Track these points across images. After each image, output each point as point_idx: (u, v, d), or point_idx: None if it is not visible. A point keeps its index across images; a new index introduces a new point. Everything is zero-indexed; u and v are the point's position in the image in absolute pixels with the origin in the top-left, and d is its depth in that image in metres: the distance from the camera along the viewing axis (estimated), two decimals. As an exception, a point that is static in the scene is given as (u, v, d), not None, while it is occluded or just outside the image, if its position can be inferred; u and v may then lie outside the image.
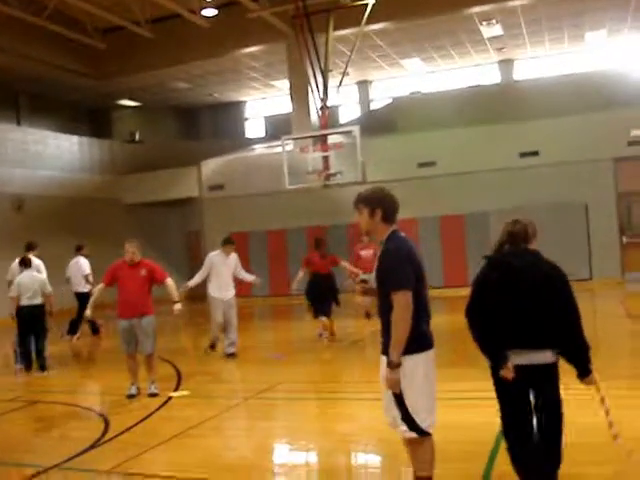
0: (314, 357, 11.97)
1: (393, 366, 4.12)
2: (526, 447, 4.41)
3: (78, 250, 15.53)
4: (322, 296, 12.89)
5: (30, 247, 13.71)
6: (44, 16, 18.49)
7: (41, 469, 6.04)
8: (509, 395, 4.41)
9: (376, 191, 4.46)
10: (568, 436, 4.56)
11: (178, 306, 9.17)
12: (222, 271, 11.54)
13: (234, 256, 11.75)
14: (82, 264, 15.18)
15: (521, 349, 4.28)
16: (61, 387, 10.35)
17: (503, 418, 4.54)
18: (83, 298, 14.13)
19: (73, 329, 14.88)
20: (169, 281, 9.22)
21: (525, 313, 4.27)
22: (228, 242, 11.71)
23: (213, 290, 11.56)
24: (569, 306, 4.28)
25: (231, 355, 11.49)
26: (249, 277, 12.07)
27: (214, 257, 11.60)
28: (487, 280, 4.44)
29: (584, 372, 4.33)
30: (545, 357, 4.30)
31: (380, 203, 4.37)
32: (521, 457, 4.44)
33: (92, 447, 6.64)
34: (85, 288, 14.88)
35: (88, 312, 9.28)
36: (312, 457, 6.35)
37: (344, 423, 7.11)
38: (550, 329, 4.25)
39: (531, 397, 4.40)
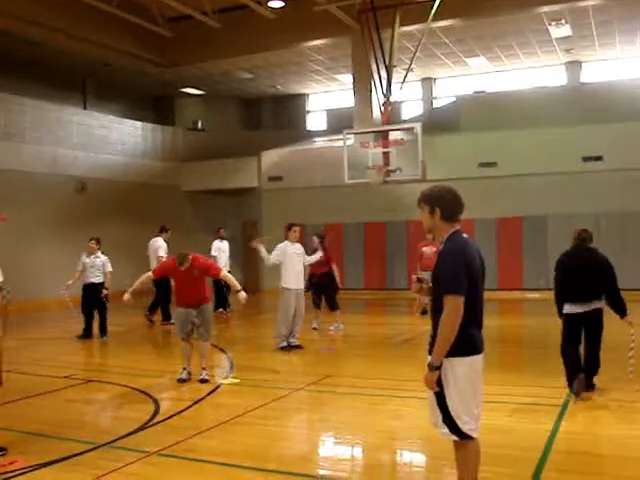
0: (364, 352, 12.00)
1: (432, 368, 4.12)
2: (572, 357, 7.54)
3: (160, 232, 15.59)
4: None
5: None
6: (114, 3, 18.79)
7: (91, 446, 6.19)
8: (571, 328, 7.58)
9: (437, 189, 4.40)
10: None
11: (243, 294, 9.10)
12: (295, 261, 11.41)
13: (300, 245, 11.69)
14: (159, 246, 15.18)
15: (587, 302, 7.46)
16: (115, 368, 10.56)
17: (563, 339, 7.63)
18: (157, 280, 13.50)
19: (153, 311, 15.36)
20: (224, 274, 9.31)
21: (590, 284, 7.47)
22: (294, 225, 11.60)
23: (287, 282, 11.35)
24: (613, 280, 7.49)
25: (297, 347, 11.46)
26: (314, 257, 12.11)
27: (286, 247, 11.41)
28: (567, 265, 7.70)
29: (622, 315, 7.39)
30: (601, 304, 7.54)
31: (440, 202, 4.32)
32: (568, 364, 7.54)
33: (141, 428, 6.77)
34: None
35: (127, 296, 9.12)
36: (357, 452, 6.35)
37: (390, 420, 7.09)
38: (602, 291, 7.49)
39: (582, 332, 7.62)
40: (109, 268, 13.25)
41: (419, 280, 4.67)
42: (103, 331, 13.37)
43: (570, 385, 7.40)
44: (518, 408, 7.34)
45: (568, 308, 7.55)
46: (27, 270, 18.33)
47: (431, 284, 4.42)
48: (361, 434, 6.67)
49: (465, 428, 4.18)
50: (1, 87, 20.15)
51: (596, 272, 7.48)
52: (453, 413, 4.16)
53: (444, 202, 4.32)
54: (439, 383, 4.15)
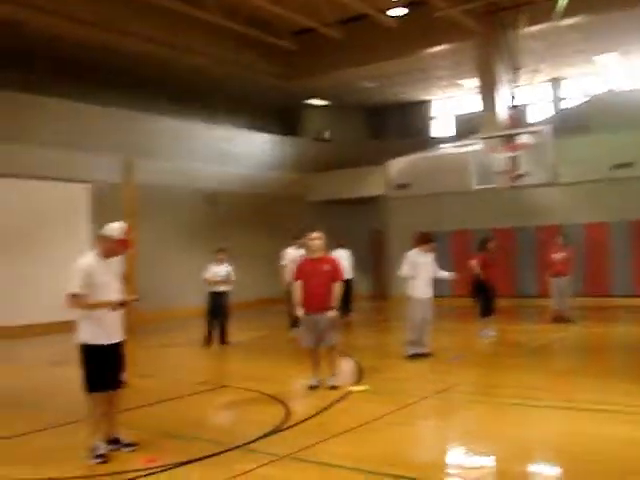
0: (493, 361, 11.77)
1: None
2: None
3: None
4: None
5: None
6: (239, 20, 19.34)
7: (224, 448, 6.36)
8: None
9: None
10: None
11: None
12: (424, 270, 11.28)
13: (432, 255, 11.50)
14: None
15: None
16: (247, 374, 10.79)
17: None
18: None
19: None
20: (338, 286, 9.19)
21: None
22: (429, 240, 11.43)
23: (415, 290, 11.27)
24: None
25: (427, 355, 11.37)
26: (447, 274, 11.76)
27: (416, 256, 11.30)
28: None
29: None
30: None
31: None
32: None
33: (272, 432, 6.90)
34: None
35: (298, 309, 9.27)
36: (487, 461, 6.21)
37: (520, 429, 6.93)
38: None
39: None
40: (233, 277, 13.86)
41: None
42: (223, 340, 13.84)
43: None
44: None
45: None
46: (159, 280, 18.98)
47: None
48: (490, 443, 6.54)
49: None
50: (129, 106, 20.98)
51: None
52: None
53: None
54: None
